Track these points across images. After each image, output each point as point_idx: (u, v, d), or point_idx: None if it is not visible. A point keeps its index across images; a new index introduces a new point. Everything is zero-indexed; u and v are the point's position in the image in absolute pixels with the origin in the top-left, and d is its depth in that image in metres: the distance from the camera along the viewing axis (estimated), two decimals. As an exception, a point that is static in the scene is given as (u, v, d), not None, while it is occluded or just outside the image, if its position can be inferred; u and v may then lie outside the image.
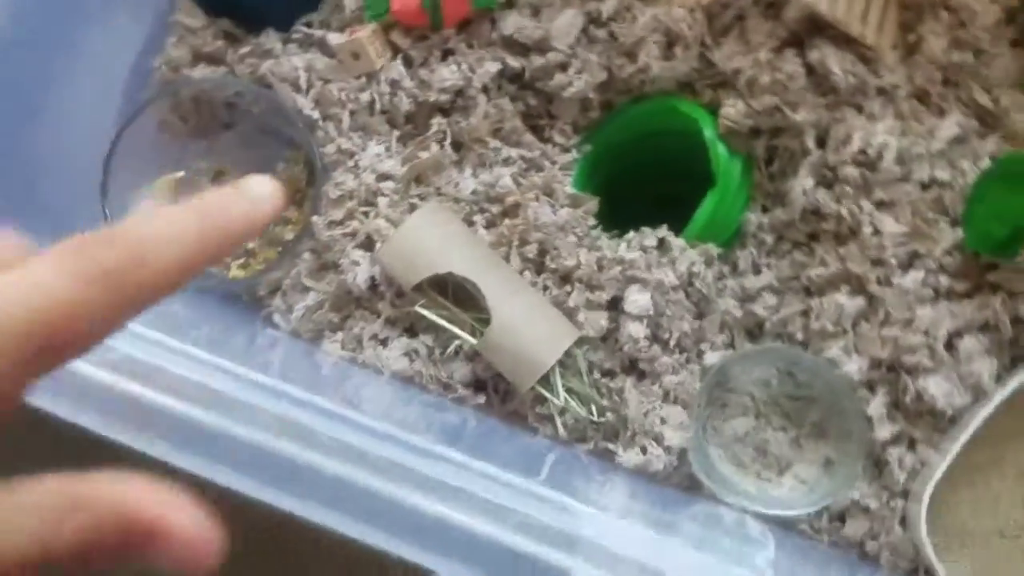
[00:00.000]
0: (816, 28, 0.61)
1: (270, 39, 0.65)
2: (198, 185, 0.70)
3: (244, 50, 0.65)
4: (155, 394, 0.42)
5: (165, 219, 0.24)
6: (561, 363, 0.57)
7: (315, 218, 0.61)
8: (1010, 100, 0.57)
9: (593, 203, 0.64)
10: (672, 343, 0.59)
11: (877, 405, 0.56)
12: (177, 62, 0.66)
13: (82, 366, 0.42)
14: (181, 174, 0.70)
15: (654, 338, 0.59)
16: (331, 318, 0.62)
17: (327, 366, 0.59)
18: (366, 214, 0.62)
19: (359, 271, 0.60)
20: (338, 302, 0.62)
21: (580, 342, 0.58)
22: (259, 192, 0.26)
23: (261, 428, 0.41)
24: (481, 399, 0.59)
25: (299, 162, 0.70)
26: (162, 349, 0.46)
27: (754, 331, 0.62)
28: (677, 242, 0.61)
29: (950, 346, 0.55)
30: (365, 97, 0.64)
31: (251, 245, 0.69)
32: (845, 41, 0.60)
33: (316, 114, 0.63)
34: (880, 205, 0.59)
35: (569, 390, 0.58)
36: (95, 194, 0.64)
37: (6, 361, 0.20)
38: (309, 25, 0.66)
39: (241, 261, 0.69)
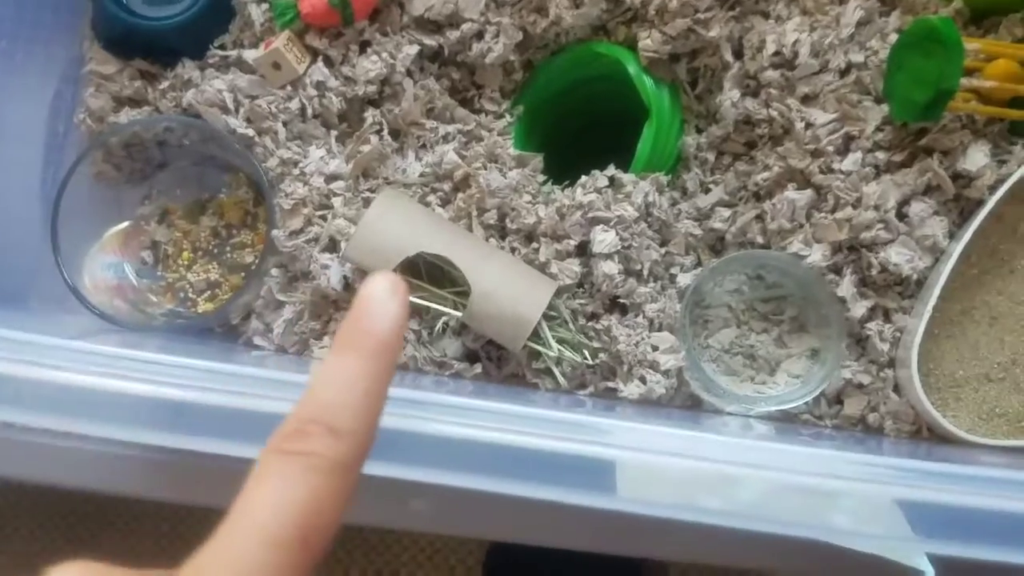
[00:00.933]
0: (710, -54, 0.63)
1: (187, 69, 0.65)
2: (146, 231, 0.69)
3: (164, 85, 0.65)
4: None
5: (336, 382, 0.25)
6: (546, 316, 0.59)
7: (275, 232, 0.61)
8: (902, -26, 0.61)
9: (538, 159, 0.66)
10: (645, 273, 0.61)
11: (847, 286, 0.59)
12: (99, 112, 0.65)
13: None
14: (127, 224, 0.70)
15: (627, 272, 0.61)
16: (313, 326, 0.63)
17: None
18: (323, 217, 0.62)
19: (330, 273, 0.61)
20: (316, 308, 0.63)
21: (559, 292, 0.60)
22: (380, 293, 0.27)
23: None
24: (478, 368, 0.61)
25: (241, 184, 0.70)
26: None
27: (716, 245, 0.65)
28: (628, 177, 0.63)
29: (901, 215, 0.58)
30: (295, 105, 0.64)
31: (214, 276, 0.68)
32: (739, -48, 0.63)
33: (250, 132, 0.63)
34: (806, 99, 0.62)
35: (560, 340, 0.59)
36: (41, 264, 0.63)
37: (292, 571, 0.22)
38: (223, 47, 0.66)
39: (207, 294, 0.68)
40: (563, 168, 0.68)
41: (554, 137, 0.75)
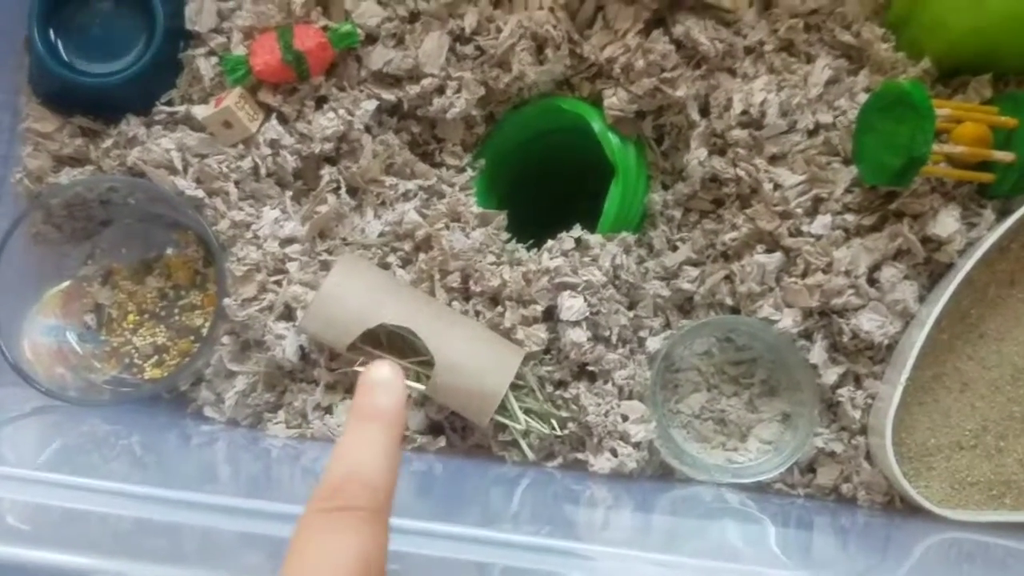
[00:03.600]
0: (675, 3, 0.62)
1: (132, 126, 0.62)
2: (89, 293, 0.66)
3: (107, 143, 0.62)
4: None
5: (363, 445, 0.29)
6: (513, 385, 0.57)
7: (226, 301, 0.58)
8: (870, 32, 0.60)
9: (501, 217, 0.64)
10: (614, 338, 0.60)
11: (818, 352, 0.58)
12: (38, 172, 0.62)
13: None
14: (67, 284, 0.66)
15: (595, 338, 0.59)
16: (267, 398, 0.60)
17: (276, 449, 0.56)
18: (278, 283, 0.60)
19: (286, 344, 0.58)
20: (271, 380, 0.60)
21: (526, 360, 0.58)
22: (388, 374, 0.31)
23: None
24: (442, 442, 0.58)
25: (190, 242, 0.67)
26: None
27: (685, 306, 0.63)
28: (594, 239, 0.61)
29: (872, 280, 0.57)
30: (247, 164, 0.61)
31: (162, 340, 0.65)
32: (704, 9, 0.62)
33: (200, 193, 0.60)
34: (773, 159, 0.61)
35: (527, 411, 0.57)
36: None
37: None
38: (170, 103, 0.63)
39: (154, 359, 0.65)
40: (527, 219, 0.67)
41: (517, 188, 0.73)
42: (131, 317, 0.66)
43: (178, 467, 0.54)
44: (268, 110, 0.62)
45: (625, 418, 0.58)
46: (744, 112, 0.60)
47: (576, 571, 0.36)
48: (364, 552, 0.26)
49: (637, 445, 0.57)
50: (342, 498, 0.27)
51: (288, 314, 0.59)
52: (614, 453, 0.57)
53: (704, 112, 0.63)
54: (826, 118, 0.60)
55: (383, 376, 0.31)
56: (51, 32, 0.61)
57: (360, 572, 0.26)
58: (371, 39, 0.62)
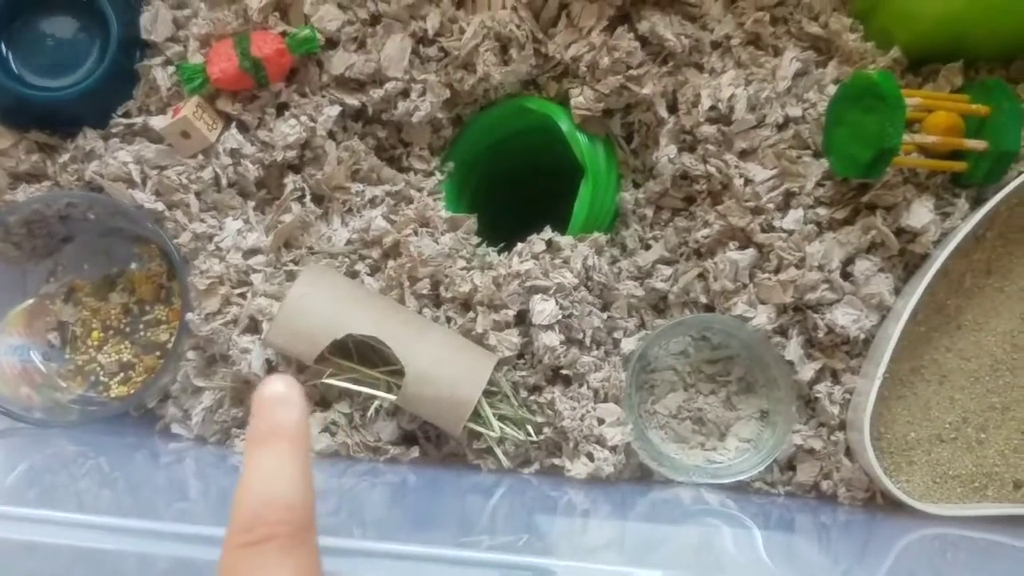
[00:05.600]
0: (639, -2, 0.61)
1: (89, 139, 0.60)
2: (51, 311, 0.64)
3: (64, 158, 0.60)
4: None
5: (271, 467, 0.28)
6: (486, 392, 0.56)
7: (189, 315, 0.57)
8: (838, 23, 0.59)
9: (471, 221, 0.62)
10: (587, 341, 0.59)
11: (793, 348, 0.57)
12: (-7, 189, 0.60)
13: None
14: (30, 302, 0.64)
15: (569, 341, 0.58)
16: (235, 413, 0.58)
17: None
18: (243, 296, 0.58)
19: (251, 358, 0.56)
20: (238, 394, 0.58)
21: (499, 365, 0.57)
22: (282, 388, 0.30)
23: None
24: (415, 452, 0.57)
25: (154, 257, 0.65)
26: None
27: (659, 305, 0.63)
28: (565, 240, 0.60)
29: (846, 274, 0.57)
30: (207, 175, 0.60)
31: (127, 357, 0.64)
32: (669, 3, 0.61)
33: (160, 206, 0.59)
34: (743, 155, 0.60)
35: (501, 417, 0.56)
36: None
37: None
38: (127, 115, 0.61)
39: (120, 376, 0.64)
40: (498, 221, 0.66)
41: (487, 191, 0.72)
42: (95, 334, 0.64)
43: (146, 488, 0.53)
44: (227, 119, 0.61)
45: (601, 421, 0.57)
46: (712, 108, 0.59)
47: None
48: None
49: (614, 449, 0.56)
50: (261, 528, 0.26)
51: (254, 327, 0.58)
52: (591, 457, 0.56)
53: (672, 109, 0.62)
54: (795, 111, 0.59)
55: (278, 391, 0.30)
56: (2, 46, 0.59)
57: None
58: (332, 43, 0.61)
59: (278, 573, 0.25)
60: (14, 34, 0.60)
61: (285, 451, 0.28)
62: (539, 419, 0.57)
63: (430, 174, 0.65)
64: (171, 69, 0.61)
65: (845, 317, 0.56)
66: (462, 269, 0.59)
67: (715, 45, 0.61)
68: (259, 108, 0.61)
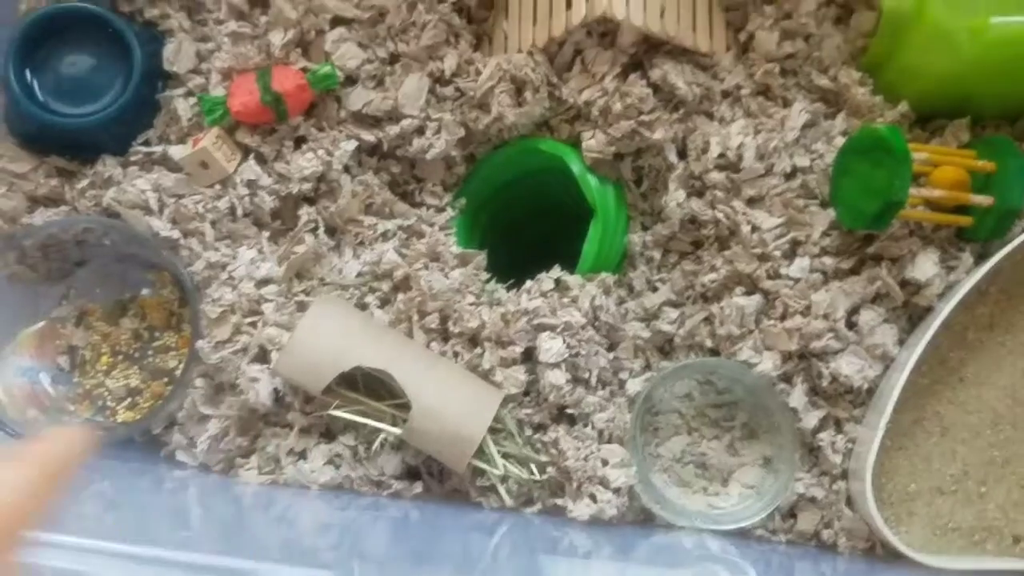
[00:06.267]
0: (652, 47, 0.62)
1: (108, 166, 0.61)
2: (63, 335, 0.65)
3: (82, 184, 0.61)
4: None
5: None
6: (491, 428, 0.56)
7: (199, 343, 0.58)
8: (847, 76, 0.60)
9: (480, 257, 0.63)
10: (593, 381, 0.59)
11: (798, 396, 0.57)
12: (12, 213, 0.61)
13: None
14: (41, 324, 0.65)
15: (575, 380, 0.59)
16: (240, 443, 0.59)
17: (248, 495, 0.55)
18: (253, 325, 0.59)
19: (259, 387, 0.57)
20: (244, 424, 0.59)
21: (504, 402, 0.57)
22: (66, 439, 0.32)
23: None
24: (418, 487, 0.57)
25: (166, 284, 0.66)
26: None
27: (665, 347, 0.63)
28: (574, 279, 0.61)
29: (850, 323, 0.57)
30: (224, 204, 0.61)
31: (135, 382, 0.64)
32: (682, 53, 0.62)
33: (175, 234, 0.60)
34: (751, 202, 0.61)
35: (505, 455, 0.56)
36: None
37: None
38: (147, 143, 0.62)
39: (127, 402, 0.64)
40: (507, 259, 0.66)
41: (497, 228, 0.73)
42: (104, 359, 0.65)
43: (150, 514, 0.53)
44: (246, 150, 0.62)
45: (605, 462, 0.57)
46: (721, 155, 0.60)
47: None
48: None
49: (617, 491, 0.56)
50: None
51: (263, 356, 0.58)
52: (593, 499, 0.56)
53: (682, 154, 0.63)
54: (803, 161, 0.60)
55: (63, 435, 0.32)
56: (27, 73, 0.61)
57: None
58: (351, 80, 0.62)
59: None
60: (39, 62, 0.61)
61: (20, 465, 0.29)
62: (543, 458, 0.58)
63: (442, 210, 0.66)
64: (192, 100, 0.62)
65: (849, 366, 0.56)
66: (471, 305, 0.60)
67: (725, 94, 0.62)
68: (277, 141, 0.62)
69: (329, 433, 0.58)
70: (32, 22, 0.60)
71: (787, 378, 0.58)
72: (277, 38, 0.61)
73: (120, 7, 0.63)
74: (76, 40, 0.61)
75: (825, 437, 0.57)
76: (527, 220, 0.75)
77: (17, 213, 0.61)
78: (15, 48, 0.60)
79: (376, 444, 0.56)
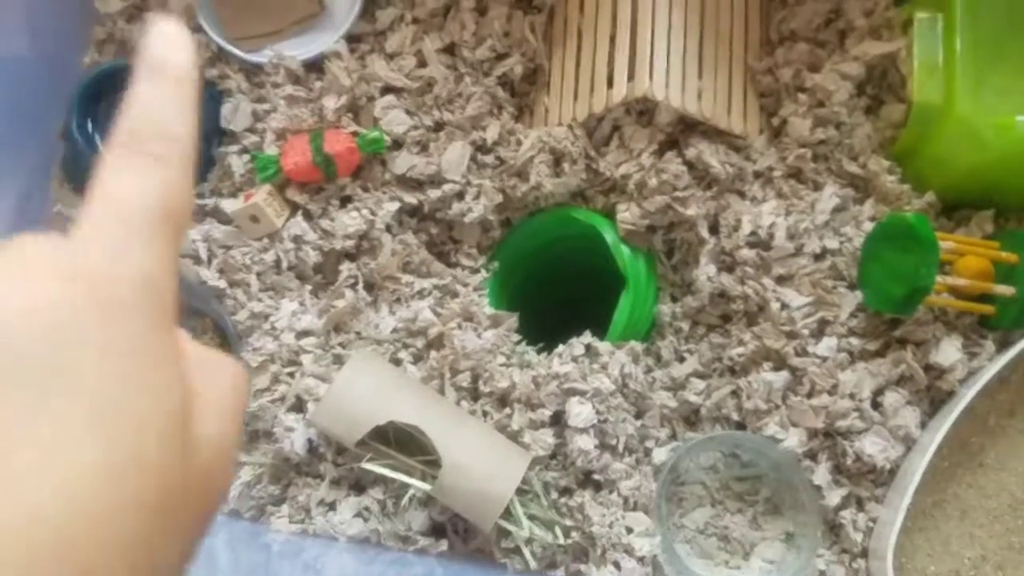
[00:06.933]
0: (688, 127, 0.64)
1: (161, 215, 0.64)
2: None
3: (135, 231, 0.63)
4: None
5: (155, 100, 0.27)
6: (518, 490, 0.57)
7: (240, 391, 0.59)
8: (877, 164, 0.62)
9: (513, 319, 0.65)
10: (620, 447, 0.60)
11: (822, 473, 0.58)
12: (66, 255, 0.63)
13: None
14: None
15: (602, 446, 0.60)
16: (272, 491, 0.60)
17: (278, 544, 0.56)
18: (292, 375, 0.60)
19: (295, 436, 0.58)
20: (277, 472, 0.60)
21: (532, 464, 0.58)
22: (174, 31, 0.28)
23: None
24: (443, 545, 0.58)
25: (207, 330, 0.68)
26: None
27: (691, 418, 0.64)
28: (604, 346, 0.62)
29: (875, 404, 0.58)
30: (270, 257, 0.63)
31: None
32: (717, 134, 0.64)
33: (222, 283, 0.62)
34: (780, 280, 0.62)
35: (531, 517, 0.57)
36: None
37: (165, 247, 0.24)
38: (200, 195, 0.65)
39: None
40: (537, 322, 0.68)
41: (529, 291, 0.75)
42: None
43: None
44: (294, 207, 0.64)
45: (630, 530, 0.58)
46: (753, 233, 0.62)
47: None
48: (168, 189, 0.25)
49: (641, 559, 0.57)
50: (140, 144, 0.26)
51: (299, 406, 0.60)
52: (617, 566, 0.56)
53: (714, 230, 0.65)
54: (832, 244, 0.62)
55: (170, 30, 0.28)
56: (89, 123, 0.63)
57: (166, 205, 0.25)
58: (397, 145, 0.65)
59: (151, 178, 0.25)
60: (99, 114, 0.64)
61: (171, 89, 0.27)
62: (568, 522, 0.58)
63: (476, 271, 0.68)
64: (246, 157, 0.64)
65: (873, 446, 0.57)
66: (502, 365, 0.62)
67: (757, 175, 0.65)
68: (324, 199, 0.64)
69: (359, 486, 0.59)
70: (95, 76, 0.63)
71: (812, 455, 0.59)
72: (331, 103, 0.64)
73: (182, 65, 0.66)
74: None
75: (847, 515, 0.58)
76: (558, 285, 0.77)
77: (71, 256, 0.63)
78: (77, 100, 0.63)
79: (405, 499, 0.57)
